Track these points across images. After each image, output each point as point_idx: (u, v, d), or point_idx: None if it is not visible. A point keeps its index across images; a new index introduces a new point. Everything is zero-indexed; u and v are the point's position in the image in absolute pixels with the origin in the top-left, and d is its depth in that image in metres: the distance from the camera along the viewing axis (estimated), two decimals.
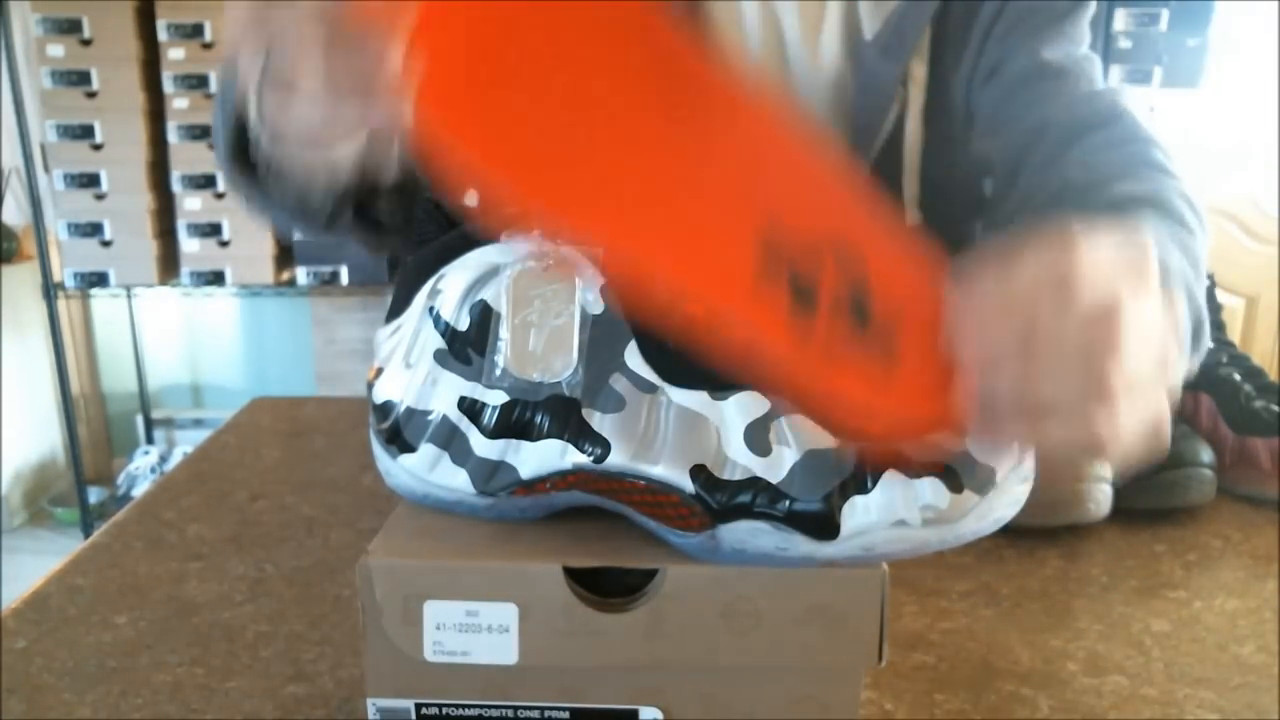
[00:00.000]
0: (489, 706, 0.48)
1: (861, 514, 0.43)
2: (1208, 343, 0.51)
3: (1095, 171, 0.64)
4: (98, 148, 2.45)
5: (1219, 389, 0.86)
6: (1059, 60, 0.72)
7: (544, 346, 0.45)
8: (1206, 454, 0.79)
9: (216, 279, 2.53)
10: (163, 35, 2.40)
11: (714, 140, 0.37)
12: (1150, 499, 0.78)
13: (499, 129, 0.35)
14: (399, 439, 0.48)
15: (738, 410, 0.44)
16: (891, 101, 0.74)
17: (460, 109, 0.34)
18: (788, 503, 0.43)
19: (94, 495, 2.73)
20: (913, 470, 0.43)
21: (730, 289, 0.37)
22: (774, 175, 0.37)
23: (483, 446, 0.46)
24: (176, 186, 2.47)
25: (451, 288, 0.46)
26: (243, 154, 0.54)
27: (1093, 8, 0.76)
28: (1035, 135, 0.70)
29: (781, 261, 0.37)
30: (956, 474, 0.43)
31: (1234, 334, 2.69)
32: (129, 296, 2.88)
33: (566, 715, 0.48)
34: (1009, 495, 0.44)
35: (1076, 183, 0.63)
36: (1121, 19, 2.34)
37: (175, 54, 2.40)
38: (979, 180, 0.83)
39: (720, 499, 0.44)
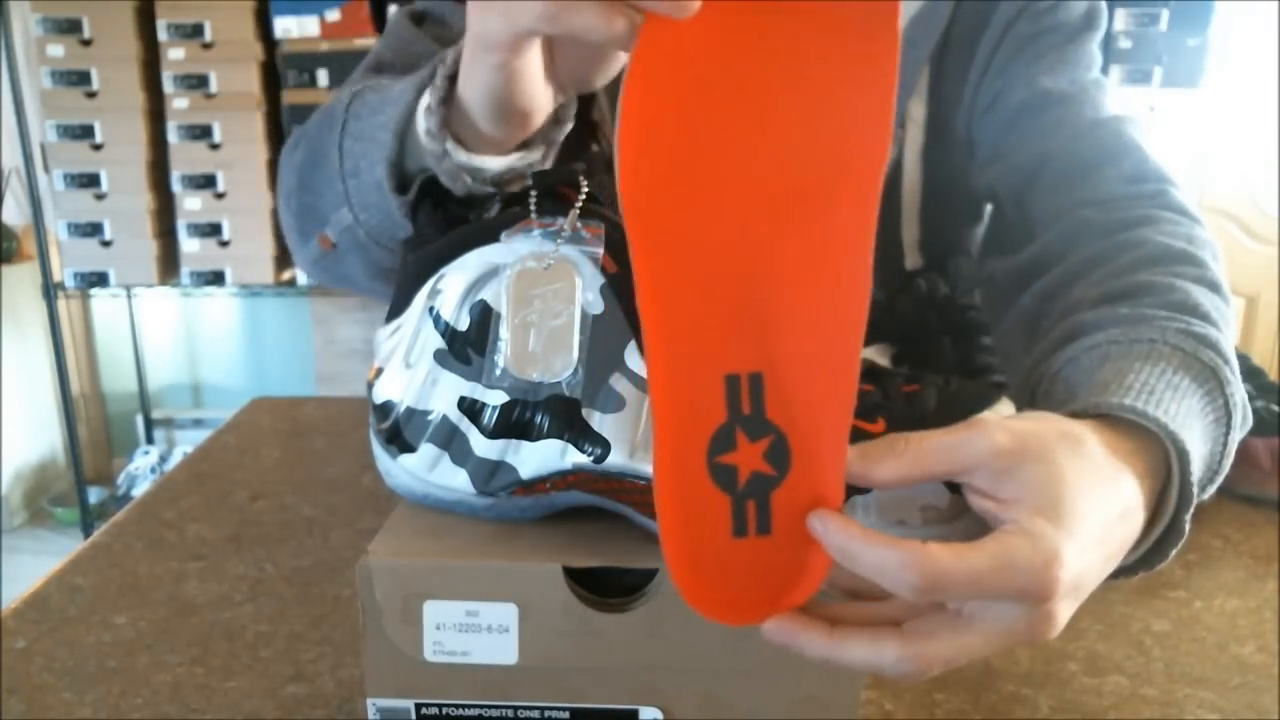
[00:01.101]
0: (489, 706, 0.48)
1: (861, 514, 0.43)
2: (1229, 464, 0.50)
3: (1112, 213, 0.62)
4: (98, 148, 2.45)
5: None
6: (1061, 87, 0.71)
7: (544, 346, 0.45)
8: None
9: (216, 279, 2.53)
10: (163, 35, 2.40)
11: (783, 259, 0.37)
12: None
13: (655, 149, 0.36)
14: (399, 439, 0.48)
15: None
16: (889, 144, 0.73)
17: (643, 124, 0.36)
18: None
19: (94, 495, 2.73)
20: None
21: (674, 408, 0.37)
22: (792, 328, 0.37)
23: (483, 446, 0.46)
24: (176, 186, 2.47)
25: (451, 288, 0.46)
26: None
27: (1100, 33, 0.74)
28: (1039, 164, 0.68)
29: (725, 414, 0.37)
30: None
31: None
32: (129, 296, 2.88)
33: (566, 715, 0.48)
34: None
35: (1095, 225, 0.62)
36: (1121, 19, 2.34)
37: (175, 54, 2.40)
38: (980, 214, 0.82)
39: None
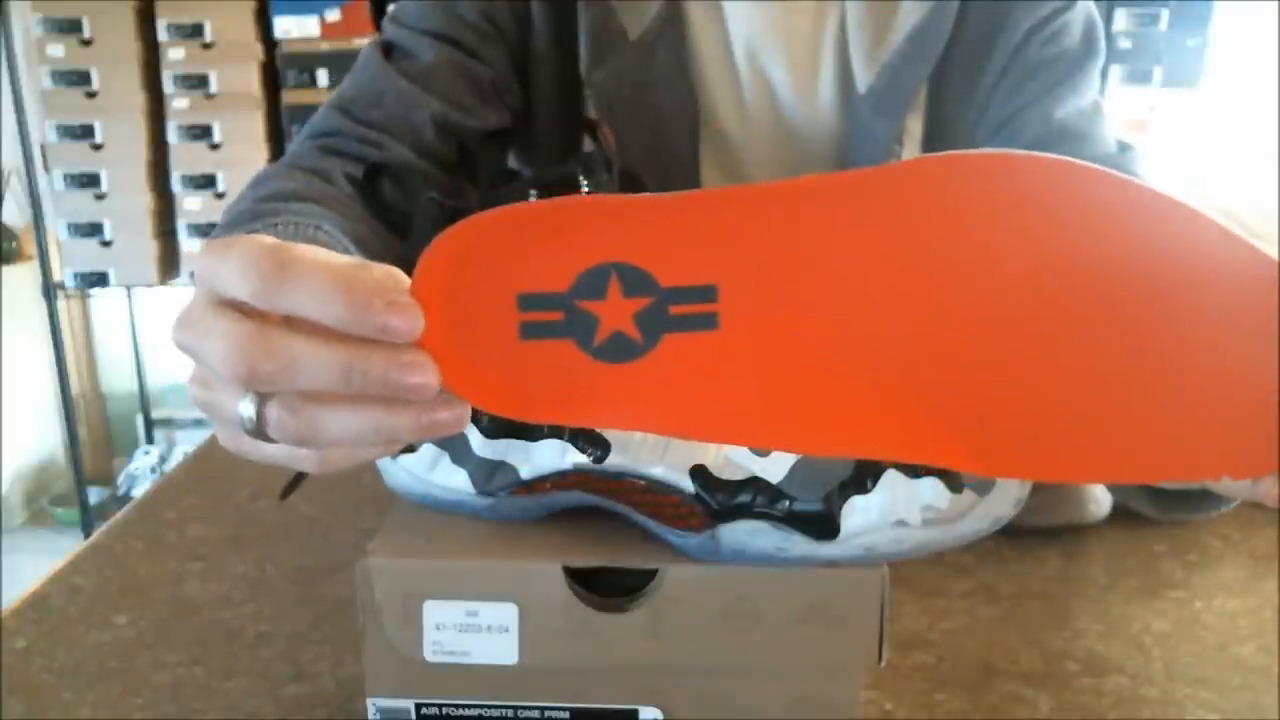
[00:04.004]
0: (489, 706, 0.48)
1: (861, 514, 0.43)
2: None
3: None
4: (98, 148, 2.44)
5: None
6: (1071, 121, 0.72)
7: None
8: None
9: None
10: (163, 35, 2.39)
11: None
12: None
13: None
14: None
15: None
16: (886, 159, 0.73)
17: None
18: (787, 503, 0.44)
19: (94, 495, 2.73)
20: (913, 470, 0.43)
21: None
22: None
23: (483, 446, 0.46)
24: (176, 186, 2.47)
25: None
26: None
27: (1101, 59, 0.75)
28: None
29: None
30: (956, 474, 0.43)
31: None
32: (129, 296, 2.88)
33: (566, 715, 0.48)
34: (1009, 495, 0.44)
35: None
36: (1121, 19, 2.34)
37: (175, 54, 2.40)
38: None
39: (720, 499, 0.44)
